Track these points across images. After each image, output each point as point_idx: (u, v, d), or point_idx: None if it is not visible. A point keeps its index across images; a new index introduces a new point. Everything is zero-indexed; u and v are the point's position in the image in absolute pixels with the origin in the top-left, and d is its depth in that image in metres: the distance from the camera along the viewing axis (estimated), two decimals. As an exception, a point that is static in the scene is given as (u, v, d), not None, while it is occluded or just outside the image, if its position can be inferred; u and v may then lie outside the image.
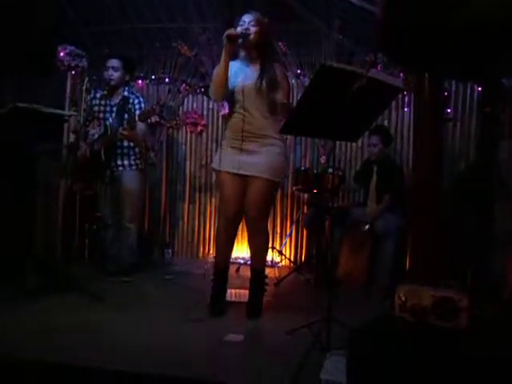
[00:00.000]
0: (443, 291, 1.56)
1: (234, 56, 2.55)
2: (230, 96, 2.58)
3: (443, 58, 2.09)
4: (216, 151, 4.41)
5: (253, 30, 2.48)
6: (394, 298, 1.62)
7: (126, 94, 3.44)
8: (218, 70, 2.51)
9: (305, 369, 1.81)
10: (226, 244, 2.66)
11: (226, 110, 4.20)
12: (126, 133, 3.16)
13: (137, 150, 3.46)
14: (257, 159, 2.51)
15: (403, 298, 1.56)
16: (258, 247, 2.64)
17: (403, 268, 3.14)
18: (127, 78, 3.48)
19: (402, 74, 3.82)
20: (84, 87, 3.17)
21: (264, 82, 2.48)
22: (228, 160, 2.55)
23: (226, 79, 2.49)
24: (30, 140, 3.12)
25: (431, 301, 1.52)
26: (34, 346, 2.02)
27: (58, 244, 3.64)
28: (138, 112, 3.31)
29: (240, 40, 2.46)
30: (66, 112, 3.50)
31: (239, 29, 2.47)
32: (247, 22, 2.49)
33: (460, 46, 1.92)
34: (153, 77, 4.36)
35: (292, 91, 2.66)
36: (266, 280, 2.73)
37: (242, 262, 4.09)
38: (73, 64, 3.69)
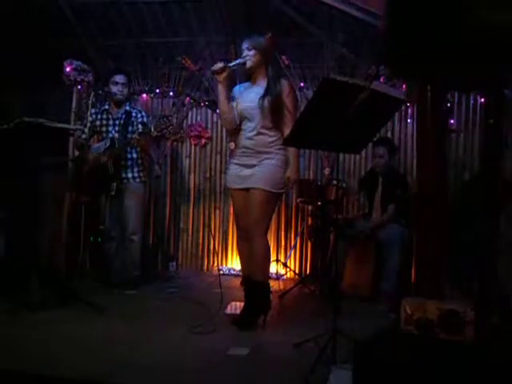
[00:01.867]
0: (449, 304, 1.54)
1: (247, 78, 2.74)
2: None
3: (445, 70, 2.10)
4: (220, 163, 4.51)
5: (251, 53, 2.61)
6: (399, 311, 1.61)
7: (127, 108, 3.49)
8: (219, 104, 2.73)
9: (310, 382, 1.79)
10: (244, 253, 2.74)
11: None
12: (140, 138, 3.22)
13: (139, 162, 3.50)
14: (254, 171, 2.62)
15: (409, 311, 1.55)
16: (256, 257, 2.62)
17: (408, 280, 3.11)
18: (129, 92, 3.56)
19: (404, 86, 3.84)
20: (90, 102, 3.22)
21: (266, 100, 2.59)
22: (233, 177, 2.70)
23: (229, 109, 2.67)
24: (35, 153, 3.14)
25: (437, 314, 1.51)
26: (37, 359, 2.01)
27: (63, 257, 3.65)
28: (140, 126, 3.37)
29: (234, 67, 2.63)
30: (72, 126, 3.54)
31: (242, 59, 2.62)
32: (245, 49, 2.63)
33: (463, 58, 1.93)
34: (157, 90, 4.41)
35: (298, 104, 2.74)
36: (270, 295, 2.69)
37: (246, 274, 4.08)
38: (79, 79, 3.74)
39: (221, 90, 2.65)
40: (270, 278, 2.84)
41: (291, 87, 2.72)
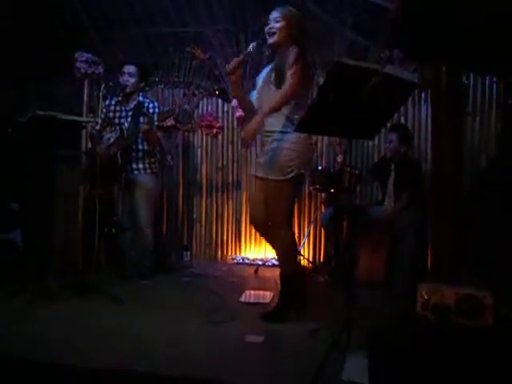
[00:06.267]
0: (466, 289, 1.52)
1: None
2: None
3: (461, 52, 2.04)
4: (232, 153, 4.47)
5: (277, 26, 2.38)
6: (414, 297, 1.59)
7: (140, 99, 3.49)
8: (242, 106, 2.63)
9: (326, 370, 1.79)
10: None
11: (241, 113, 4.23)
12: (146, 127, 3.18)
13: (151, 153, 3.50)
14: (263, 159, 2.49)
15: (425, 297, 1.53)
16: (276, 254, 2.61)
17: (422, 266, 3.08)
18: (142, 84, 3.53)
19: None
20: (101, 93, 3.22)
21: (273, 74, 2.39)
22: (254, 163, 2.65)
23: (248, 107, 2.53)
24: (49, 147, 3.17)
25: (454, 299, 1.49)
26: (54, 349, 2.05)
27: (79, 248, 3.69)
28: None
29: (251, 50, 2.39)
30: (84, 118, 3.55)
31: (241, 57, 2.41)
32: (272, 20, 2.40)
33: (479, 39, 1.87)
34: (167, 81, 4.39)
35: (307, 75, 2.37)
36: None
37: (260, 263, 4.09)
38: (89, 71, 3.73)
39: (236, 93, 2.49)
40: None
41: (297, 55, 2.28)
